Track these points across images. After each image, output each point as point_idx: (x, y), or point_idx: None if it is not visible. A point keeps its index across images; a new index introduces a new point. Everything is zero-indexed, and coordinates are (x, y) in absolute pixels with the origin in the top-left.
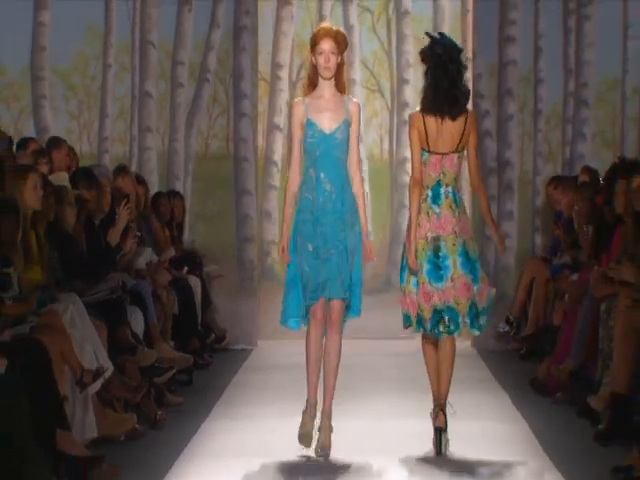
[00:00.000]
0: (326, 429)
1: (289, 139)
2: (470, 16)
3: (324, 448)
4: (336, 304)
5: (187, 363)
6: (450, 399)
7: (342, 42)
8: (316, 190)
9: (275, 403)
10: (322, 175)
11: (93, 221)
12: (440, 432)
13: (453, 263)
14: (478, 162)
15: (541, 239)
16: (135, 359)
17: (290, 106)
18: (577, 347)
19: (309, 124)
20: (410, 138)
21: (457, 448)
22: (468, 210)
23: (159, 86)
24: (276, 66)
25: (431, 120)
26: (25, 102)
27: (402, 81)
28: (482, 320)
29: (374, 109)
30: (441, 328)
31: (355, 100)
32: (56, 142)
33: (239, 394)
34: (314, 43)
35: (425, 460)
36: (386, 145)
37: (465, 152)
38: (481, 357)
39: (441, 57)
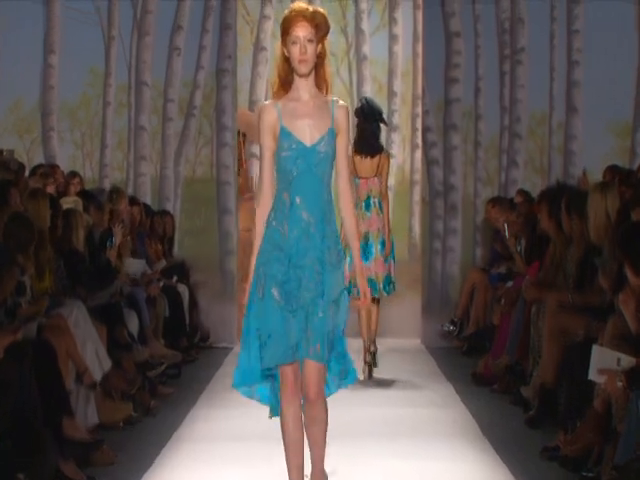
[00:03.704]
0: None
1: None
2: (420, 60)
3: None
4: (313, 369)
5: (176, 359)
6: (402, 389)
7: (322, 25)
8: (289, 219)
9: None
10: (298, 200)
11: (94, 236)
12: (371, 366)
13: (375, 249)
14: (387, 182)
15: (481, 252)
16: (131, 355)
17: (258, 112)
18: (511, 345)
19: (284, 134)
20: None
21: (407, 430)
22: (417, 228)
23: (152, 120)
24: (253, 103)
25: (358, 157)
26: (36, 134)
27: None
28: (391, 288)
29: None
30: None
31: (342, 103)
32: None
33: (221, 386)
34: (285, 29)
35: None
36: None
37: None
38: (429, 352)
39: (366, 117)
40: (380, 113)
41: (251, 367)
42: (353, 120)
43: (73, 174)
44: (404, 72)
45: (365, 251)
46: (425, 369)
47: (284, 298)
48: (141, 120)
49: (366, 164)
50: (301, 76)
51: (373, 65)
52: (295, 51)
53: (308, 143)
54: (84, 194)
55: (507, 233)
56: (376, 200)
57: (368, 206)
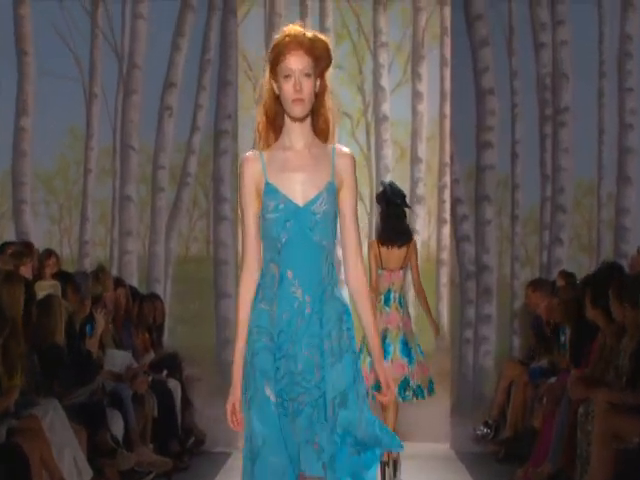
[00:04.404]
0: None
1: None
2: (448, 121)
3: None
4: None
5: (166, 467)
6: None
7: (322, 56)
8: (278, 298)
9: None
10: (289, 274)
11: (74, 325)
12: (385, 465)
13: (394, 349)
14: (419, 276)
15: (519, 342)
16: (114, 463)
17: (239, 165)
18: (554, 450)
19: (270, 192)
20: (369, 259)
21: None
22: (445, 315)
23: (140, 190)
24: None
25: (383, 247)
26: (5, 207)
27: (380, 186)
28: (410, 392)
29: None
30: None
31: (346, 150)
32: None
33: None
34: (275, 59)
35: None
36: (365, 250)
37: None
38: (459, 459)
39: (389, 202)
40: (404, 196)
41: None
42: (377, 203)
43: (48, 253)
44: (430, 135)
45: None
46: (455, 478)
47: (279, 397)
48: (127, 190)
49: (393, 255)
50: (295, 120)
51: (394, 127)
52: (288, 87)
53: (300, 202)
54: (61, 276)
55: (551, 321)
56: (397, 295)
57: (387, 300)
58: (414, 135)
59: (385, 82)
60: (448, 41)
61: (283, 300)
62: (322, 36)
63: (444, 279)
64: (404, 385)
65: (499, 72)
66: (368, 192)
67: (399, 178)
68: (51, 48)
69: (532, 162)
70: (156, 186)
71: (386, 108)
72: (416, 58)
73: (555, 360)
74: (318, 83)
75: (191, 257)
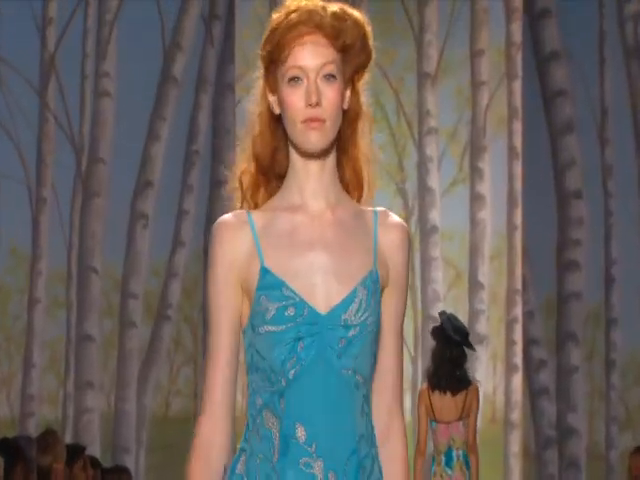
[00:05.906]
0: None
1: None
2: (519, 234)
3: None
4: None
5: None
6: None
7: (355, 46)
8: (281, 475)
9: None
10: (300, 433)
11: None
12: None
13: None
14: (475, 427)
15: None
16: None
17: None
18: None
19: (269, 285)
20: (418, 412)
21: None
22: None
23: (103, 326)
24: None
25: (436, 394)
26: None
27: (429, 319)
28: None
29: None
30: None
31: (397, 220)
32: None
33: None
34: (274, 53)
35: None
36: (408, 404)
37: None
38: None
39: (448, 340)
40: (466, 334)
41: None
42: (432, 338)
43: None
44: (494, 253)
45: None
46: None
47: None
48: (86, 326)
49: (447, 404)
50: (307, 156)
51: (446, 241)
52: (295, 99)
53: (322, 307)
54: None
55: None
56: (460, 452)
57: (450, 461)
58: (473, 252)
59: (434, 181)
60: (519, 126)
61: (289, 478)
62: (355, 12)
63: (515, 447)
64: None
65: (588, 168)
66: (412, 328)
67: (453, 309)
68: None
69: (633, 289)
70: (125, 321)
71: (435, 216)
72: (475, 149)
73: None
74: (348, 94)
75: (172, 417)
